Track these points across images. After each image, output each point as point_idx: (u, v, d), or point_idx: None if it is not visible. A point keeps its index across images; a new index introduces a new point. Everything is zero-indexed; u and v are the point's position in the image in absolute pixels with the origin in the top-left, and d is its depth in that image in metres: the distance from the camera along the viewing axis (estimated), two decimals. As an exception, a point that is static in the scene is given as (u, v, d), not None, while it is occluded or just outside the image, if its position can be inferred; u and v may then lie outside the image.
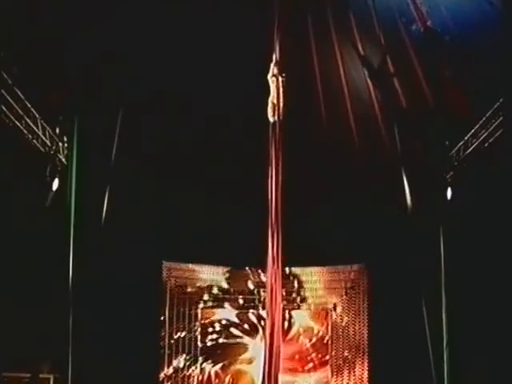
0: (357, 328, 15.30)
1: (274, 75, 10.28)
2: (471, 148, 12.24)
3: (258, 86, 10.47)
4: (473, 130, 12.08)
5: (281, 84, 10.19)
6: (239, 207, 13.69)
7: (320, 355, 15.41)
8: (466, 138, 12.36)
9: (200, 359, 15.31)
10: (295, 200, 11.50)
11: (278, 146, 10.00)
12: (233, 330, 15.54)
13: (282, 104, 10.11)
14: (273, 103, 10.16)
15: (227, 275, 15.58)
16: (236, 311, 15.58)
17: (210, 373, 15.36)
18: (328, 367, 15.34)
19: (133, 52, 12.03)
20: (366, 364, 15.12)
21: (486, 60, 10.97)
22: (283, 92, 10.16)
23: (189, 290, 15.46)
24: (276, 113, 10.08)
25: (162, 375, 15.00)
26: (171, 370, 15.13)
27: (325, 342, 15.44)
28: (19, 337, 11.63)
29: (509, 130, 11.07)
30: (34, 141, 11.72)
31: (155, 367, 14.98)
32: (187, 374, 15.25)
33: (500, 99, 11.15)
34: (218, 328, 15.51)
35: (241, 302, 15.58)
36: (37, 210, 11.82)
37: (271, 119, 10.14)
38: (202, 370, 15.29)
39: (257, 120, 10.44)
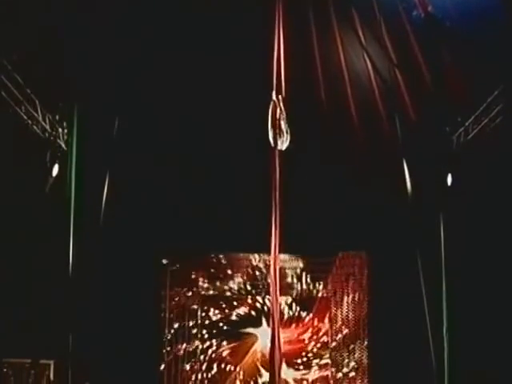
0: (357, 315, 15.31)
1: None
2: (472, 134, 12.23)
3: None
4: (473, 116, 12.06)
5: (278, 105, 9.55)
6: (240, 196, 13.67)
7: (320, 344, 15.43)
8: (466, 124, 12.34)
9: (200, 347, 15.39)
10: (295, 187, 11.47)
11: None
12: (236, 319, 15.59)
13: (283, 130, 9.55)
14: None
15: (229, 261, 15.61)
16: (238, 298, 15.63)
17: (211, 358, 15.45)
18: (328, 356, 15.40)
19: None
20: (365, 352, 15.14)
21: (487, 46, 10.93)
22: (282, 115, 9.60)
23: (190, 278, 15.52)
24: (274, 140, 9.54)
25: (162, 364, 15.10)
26: (171, 357, 15.19)
27: (325, 330, 15.45)
28: (19, 323, 11.62)
29: (509, 116, 11.06)
30: (34, 126, 11.70)
31: (156, 355, 15.02)
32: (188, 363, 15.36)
33: (501, 85, 11.14)
34: (219, 316, 15.57)
35: (246, 288, 15.61)
36: (36, 196, 11.81)
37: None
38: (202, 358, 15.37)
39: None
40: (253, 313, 15.48)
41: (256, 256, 15.30)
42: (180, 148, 13.90)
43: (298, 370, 15.28)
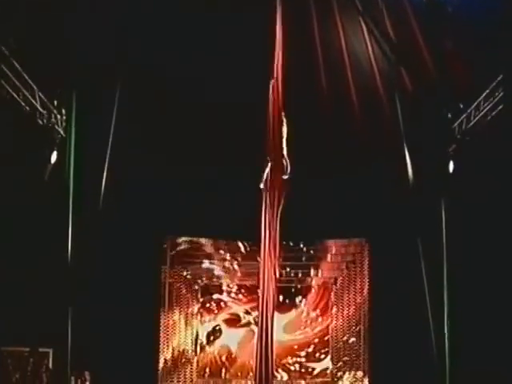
0: (357, 302, 15.30)
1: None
2: (474, 121, 12.15)
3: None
4: (475, 103, 11.99)
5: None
6: (240, 180, 13.62)
7: (320, 332, 15.42)
8: (468, 110, 12.27)
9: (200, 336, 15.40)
10: (295, 173, 11.42)
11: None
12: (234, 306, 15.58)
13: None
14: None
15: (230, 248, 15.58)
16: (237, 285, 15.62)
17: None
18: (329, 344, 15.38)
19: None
20: (366, 339, 15.15)
21: (488, 32, 10.86)
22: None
23: (190, 264, 15.49)
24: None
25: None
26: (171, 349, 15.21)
27: (325, 317, 15.44)
28: (18, 311, 11.63)
29: (510, 103, 10.99)
30: (32, 113, 11.66)
31: (155, 343, 15.03)
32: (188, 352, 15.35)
33: (502, 72, 11.07)
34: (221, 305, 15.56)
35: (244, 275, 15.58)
36: (35, 183, 11.79)
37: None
38: (202, 348, 15.36)
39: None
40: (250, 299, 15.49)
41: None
42: (178, 134, 13.88)
43: (297, 356, 15.31)
